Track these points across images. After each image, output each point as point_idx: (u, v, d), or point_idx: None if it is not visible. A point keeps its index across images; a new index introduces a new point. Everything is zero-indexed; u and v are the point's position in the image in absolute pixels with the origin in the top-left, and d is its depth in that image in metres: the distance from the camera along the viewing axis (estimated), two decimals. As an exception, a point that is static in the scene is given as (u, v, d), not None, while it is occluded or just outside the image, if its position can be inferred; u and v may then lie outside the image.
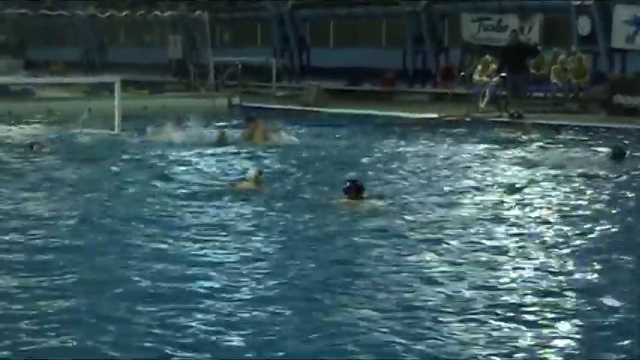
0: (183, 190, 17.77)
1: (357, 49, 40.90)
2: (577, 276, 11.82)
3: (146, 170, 20.38)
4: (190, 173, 20.18)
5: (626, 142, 24.41)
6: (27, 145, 22.94)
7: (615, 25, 33.67)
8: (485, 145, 24.76)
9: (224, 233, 14.04)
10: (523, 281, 11.64)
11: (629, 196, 17.41)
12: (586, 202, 16.77)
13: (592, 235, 14.24)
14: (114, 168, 20.37)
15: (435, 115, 30.98)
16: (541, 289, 11.09)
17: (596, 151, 23.28)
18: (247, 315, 10.01)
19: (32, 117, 29.26)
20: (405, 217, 15.29)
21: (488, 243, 13.59)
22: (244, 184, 17.63)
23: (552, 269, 12.23)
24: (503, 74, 32.80)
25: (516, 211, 16.15)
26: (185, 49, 45.18)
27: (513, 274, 11.98)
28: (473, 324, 9.61)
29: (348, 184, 16.14)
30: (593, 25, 34.06)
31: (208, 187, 18.13)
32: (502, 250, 13.15)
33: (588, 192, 17.71)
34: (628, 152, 21.29)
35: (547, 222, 15.16)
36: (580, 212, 15.90)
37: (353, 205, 15.74)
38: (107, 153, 22.30)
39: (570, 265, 12.45)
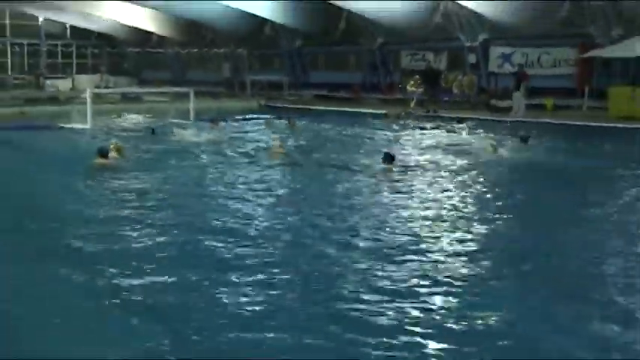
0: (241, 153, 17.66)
1: (336, 71, 40.64)
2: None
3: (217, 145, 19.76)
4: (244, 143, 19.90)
5: (500, 129, 24.18)
6: (149, 130, 22.30)
7: (491, 58, 33.79)
8: (414, 128, 24.81)
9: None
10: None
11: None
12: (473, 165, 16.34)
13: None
14: (193, 142, 19.91)
15: (384, 111, 30.58)
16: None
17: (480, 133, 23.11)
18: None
19: (141, 113, 28.74)
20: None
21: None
22: (275, 148, 17.48)
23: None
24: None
25: (428, 163, 16.04)
26: (232, 71, 44.80)
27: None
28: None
29: (385, 154, 15.04)
30: (477, 58, 33.97)
31: (254, 152, 17.88)
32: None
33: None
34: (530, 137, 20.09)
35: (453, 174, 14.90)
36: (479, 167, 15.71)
37: (389, 168, 14.64)
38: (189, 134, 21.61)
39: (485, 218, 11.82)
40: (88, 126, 23.24)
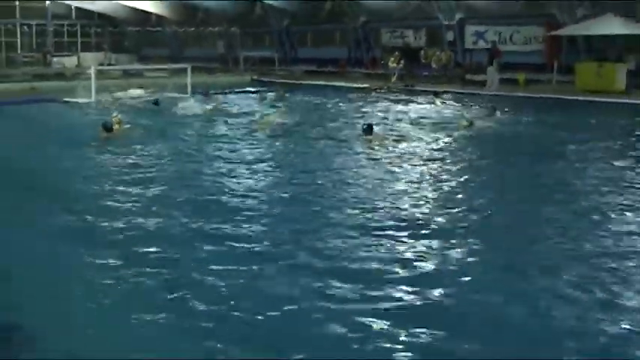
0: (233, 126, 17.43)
1: (323, 48, 40.20)
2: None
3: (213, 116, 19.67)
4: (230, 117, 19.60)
5: (474, 101, 23.98)
6: (152, 102, 22.33)
7: (466, 36, 33.54)
8: (394, 101, 24.53)
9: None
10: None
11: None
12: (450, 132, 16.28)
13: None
14: (191, 115, 19.75)
15: (367, 85, 30.37)
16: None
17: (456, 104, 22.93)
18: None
19: (142, 88, 28.26)
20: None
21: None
22: (267, 118, 17.59)
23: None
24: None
25: (406, 134, 15.84)
26: (226, 48, 44.39)
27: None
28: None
29: (365, 125, 14.90)
30: (454, 35, 33.73)
31: (245, 124, 17.71)
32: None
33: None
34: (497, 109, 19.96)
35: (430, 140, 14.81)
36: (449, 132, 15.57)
37: (369, 139, 14.47)
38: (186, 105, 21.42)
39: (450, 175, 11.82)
40: (92, 100, 23.05)
